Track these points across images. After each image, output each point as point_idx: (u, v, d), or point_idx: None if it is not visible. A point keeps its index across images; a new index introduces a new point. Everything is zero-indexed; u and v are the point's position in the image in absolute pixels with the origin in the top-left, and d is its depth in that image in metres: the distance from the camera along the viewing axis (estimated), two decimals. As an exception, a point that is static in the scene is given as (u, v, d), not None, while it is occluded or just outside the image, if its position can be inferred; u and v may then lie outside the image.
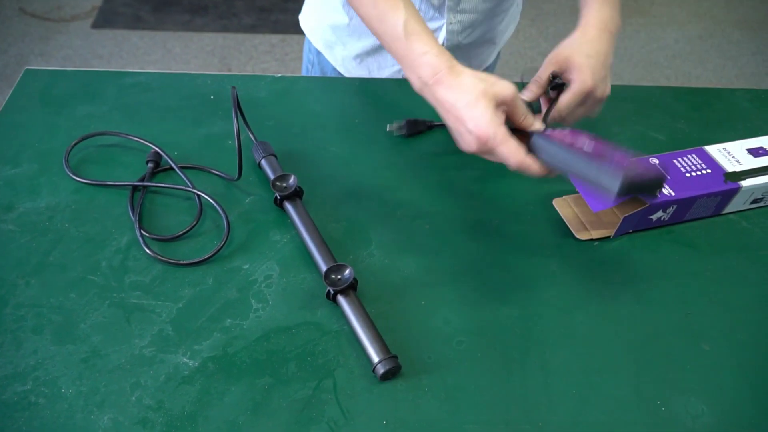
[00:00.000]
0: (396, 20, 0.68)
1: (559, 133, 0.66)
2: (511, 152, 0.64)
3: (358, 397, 0.61)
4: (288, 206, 0.75)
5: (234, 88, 0.78)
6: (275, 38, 2.48)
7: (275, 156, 0.81)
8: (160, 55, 2.40)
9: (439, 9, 0.92)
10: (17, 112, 0.88)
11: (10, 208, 0.76)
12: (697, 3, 2.77)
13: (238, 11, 2.60)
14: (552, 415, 0.61)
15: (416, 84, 0.68)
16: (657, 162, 0.77)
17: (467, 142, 0.66)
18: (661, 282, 0.72)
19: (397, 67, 1.00)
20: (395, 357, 0.62)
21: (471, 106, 0.64)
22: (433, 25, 0.94)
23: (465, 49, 1.00)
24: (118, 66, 2.35)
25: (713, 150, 0.80)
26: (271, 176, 0.77)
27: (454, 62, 0.67)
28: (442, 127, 0.88)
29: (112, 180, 0.79)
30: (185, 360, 0.63)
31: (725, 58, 2.50)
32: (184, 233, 0.74)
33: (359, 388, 0.62)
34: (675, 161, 0.78)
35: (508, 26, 1.06)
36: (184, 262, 0.71)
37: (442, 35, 0.95)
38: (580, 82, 0.71)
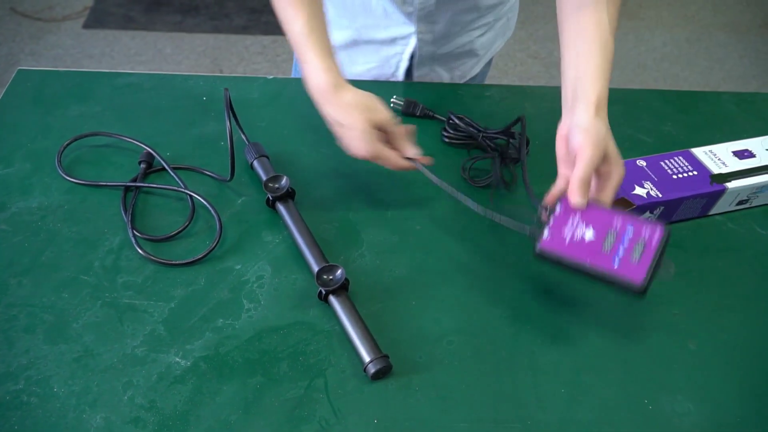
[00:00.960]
0: (294, 27, 0.72)
1: (558, 227, 0.64)
2: (390, 162, 0.73)
3: (349, 396, 0.62)
4: (280, 207, 0.75)
5: (226, 89, 0.78)
6: (267, 39, 2.48)
7: (267, 157, 0.81)
8: (151, 56, 2.39)
9: (409, 17, 0.93)
10: (9, 112, 0.88)
11: (2, 208, 0.76)
12: (685, 6, 2.80)
13: (229, 12, 2.60)
14: (541, 413, 0.62)
15: (309, 88, 0.74)
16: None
17: (352, 156, 0.73)
18: (649, 282, 0.73)
19: (368, 66, 1.00)
20: (386, 356, 0.63)
21: (352, 126, 0.71)
22: (404, 31, 0.95)
23: (443, 59, 1.00)
24: (109, 66, 2.34)
25: (699, 152, 0.81)
26: (264, 177, 0.78)
27: (340, 79, 0.72)
28: (435, 119, 0.89)
29: (105, 180, 0.79)
30: (177, 360, 0.63)
31: (712, 61, 2.53)
32: (177, 234, 0.74)
33: (350, 388, 0.62)
34: (662, 163, 0.79)
35: (495, 40, 1.06)
36: (177, 262, 0.71)
37: (412, 43, 0.96)
38: (619, 176, 0.68)
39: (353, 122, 0.71)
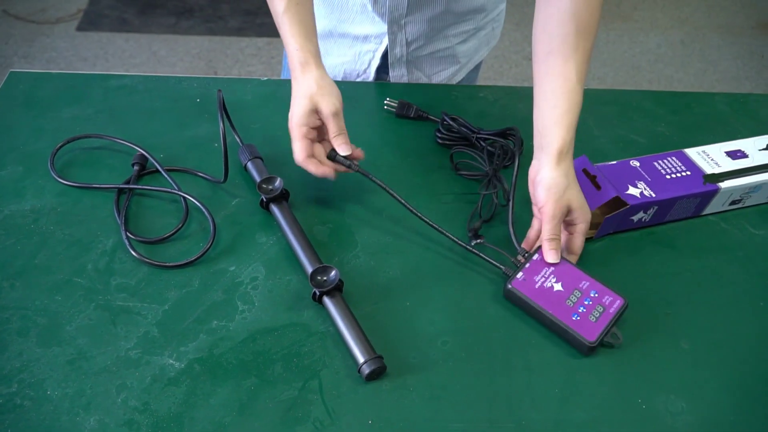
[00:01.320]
0: (278, 8, 0.75)
1: (532, 272, 0.70)
2: (295, 151, 0.74)
3: (343, 397, 0.62)
4: (274, 209, 0.75)
5: (220, 90, 0.78)
6: (261, 41, 2.48)
7: (261, 159, 0.81)
8: (145, 58, 2.39)
9: (382, 17, 0.93)
10: (2, 115, 0.88)
11: (-6, 211, 0.76)
12: (679, 8, 2.81)
13: (224, 14, 2.60)
14: (535, 413, 0.62)
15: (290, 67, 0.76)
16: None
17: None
18: (642, 281, 0.73)
19: (341, 59, 1.00)
20: (380, 357, 0.63)
21: (297, 100, 0.74)
22: (377, 30, 0.95)
23: (420, 63, 1.00)
24: (103, 69, 2.34)
25: (693, 153, 0.81)
26: (257, 179, 0.78)
27: (310, 60, 0.74)
28: (428, 120, 0.90)
29: (98, 183, 0.79)
30: (171, 362, 0.63)
31: (706, 63, 2.54)
32: (170, 236, 0.74)
33: (345, 389, 0.62)
34: (655, 163, 0.79)
35: (479, 49, 1.06)
36: (170, 264, 0.71)
37: (385, 42, 0.96)
38: (586, 222, 0.72)
39: (297, 99, 0.74)
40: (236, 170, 0.81)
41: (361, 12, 0.94)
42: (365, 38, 0.97)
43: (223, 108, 0.78)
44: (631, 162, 0.80)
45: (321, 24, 0.97)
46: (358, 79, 1.02)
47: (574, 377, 0.65)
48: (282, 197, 0.76)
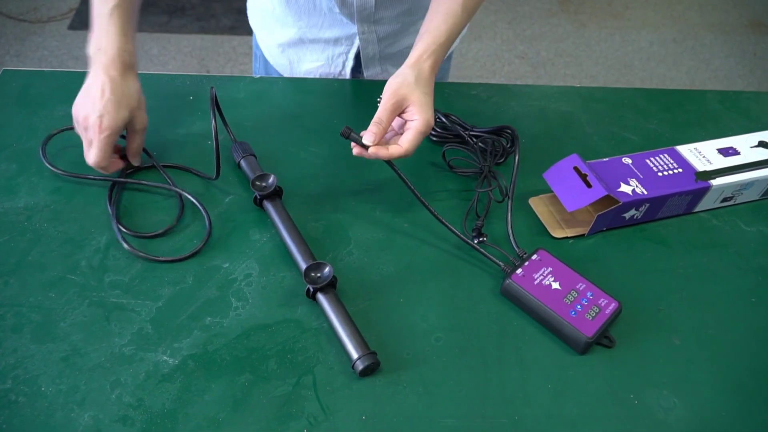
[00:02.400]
0: (103, 9, 0.75)
1: (530, 270, 0.70)
2: (101, 155, 0.74)
3: (337, 393, 0.62)
4: (267, 205, 0.75)
5: (212, 88, 0.78)
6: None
7: (255, 156, 0.81)
8: (137, 57, 2.38)
9: (351, 17, 0.93)
10: (-6, 112, 0.88)
11: (-13, 208, 0.76)
12: (671, 6, 2.83)
13: (216, 13, 2.60)
14: (528, 408, 0.62)
15: (91, 51, 0.76)
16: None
17: (82, 113, 0.74)
18: (634, 278, 0.74)
19: (315, 64, 1.00)
20: (374, 353, 0.63)
21: (111, 105, 0.73)
22: (347, 31, 0.95)
23: (394, 59, 1.00)
24: (96, 67, 2.32)
25: (685, 150, 0.82)
26: (251, 176, 0.78)
27: (134, 64, 0.76)
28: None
29: (92, 174, 0.79)
30: (165, 358, 0.63)
31: (698, 61, 2.56)
32: (165, 232, 0.74)
33: (339, 384, 0.63)
34: (647, 161, 0.80)
35: None
36: (164, 258, 0.71)
37: (356, 43, 0.96)
38: (423, 121, 0.71)
39: (114, 104, 0.73)
40: (229, 167, 0.81)
41: (329, 15, 0.94)
42: (336, 41, 0.97)
43: (216, 105, 0.78)
44: (623, 159, 0.80)
45: (290, 32, 0.97)
46: None
47: (566, 373, 0.65)
48: (275, 194, 0.76)
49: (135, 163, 0.79)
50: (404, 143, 0.70)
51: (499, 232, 0.77)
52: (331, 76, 1.01)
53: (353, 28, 0.95)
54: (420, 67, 0.72)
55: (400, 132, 0.73)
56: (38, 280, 0.69)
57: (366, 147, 0.70)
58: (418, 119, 0.70)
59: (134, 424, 0.59)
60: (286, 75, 1.04)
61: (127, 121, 0.75)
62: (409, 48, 0.99)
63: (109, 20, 0.74)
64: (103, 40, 0.75)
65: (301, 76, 1.02)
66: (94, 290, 0.68)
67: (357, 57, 0.99)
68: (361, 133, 0.70)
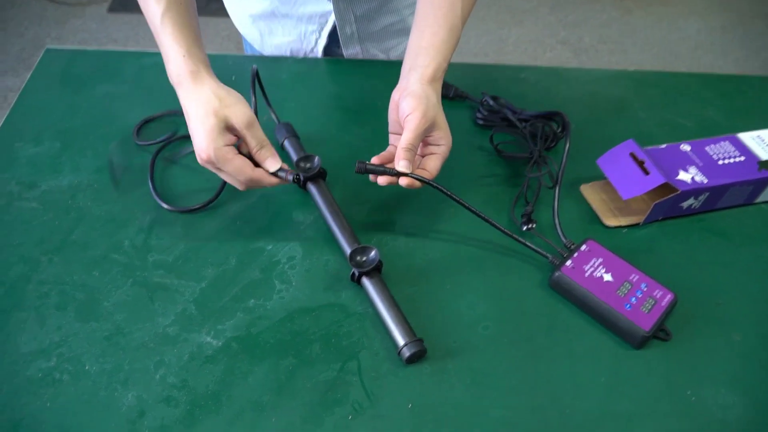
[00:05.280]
0: (155, 10, 0.66)
1: (580, 261, 0.67)
2: (237, 171, 0.64)
3: (383, 379, 0.60)
4: (311, 187, 0.74)
5: (254, 66, 0.77)
6: (292, 24, 2.47)
7: (298, 137, 0.80)
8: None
9: None
10: (38, 92, 0.88)
11: (32, 186, 0.76)
12: (720, -7, 2.73)
13: (254, -3, 2.59)
14: (579, 402, 0.60)
15: (170, 77, 0.67)
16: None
17: (197, 155, 0.65)
18: (691, 271, 0.71)
19: (286, 38, 0.97)
20: (421, 340, 0.61)
21: (200, 122, 0.63)
22: (322, 8, 0.92)
23: (373, 39, 0.96)
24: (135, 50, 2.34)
25: (747, 137, 0.78)
26: (294, 157, 0.76)
27: (201, 68, 0.65)
28: (467, 99, 0.87)
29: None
30: (209, 339, 0.62)
31: (748, 50, 2.47)
32: (205, 205, 0.73)
33: (384, 371, 0.61)
34: (707, 148, 0.76)
35: None
36: (187, 208, 0.72)
37: (331, 21, 0.93)
38: (449, 147, 0.69)
39: (202, 115, 0.63)
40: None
41: None
42: (309, 18, 0.93)
43: (259, 83, 0.77)
44: (681, 146, 0.77)
45: (262, 5, 0.94)
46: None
47: (620, 367, 0.62)
48: (319, 176, 0.75)
49: (270, 167, 0.67)
50: (432, 170, 0.68)
51: (547, 220, 0.74)
52: (301, 53, 0.98)
53: (328, 5, 0.91)
54: (436, 87, 0.68)
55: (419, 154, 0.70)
56: (82, 259, 0.69)
57: (395, 174, 0.65)
58: (444, 145, 0.68)
59: (178, 405, 0.58)
60: (256, 47, 1.01)
61: (224, 130, 0.64)
62: (389, 27, 0.95)
63: (163, 31, 0.66)
64: (167, 57, 0.67)
65: (272, 50, 0.99)
66: (138, 270, 0.68)
67: (331, 35, 0.95)
68: (394, 160, 0.66)
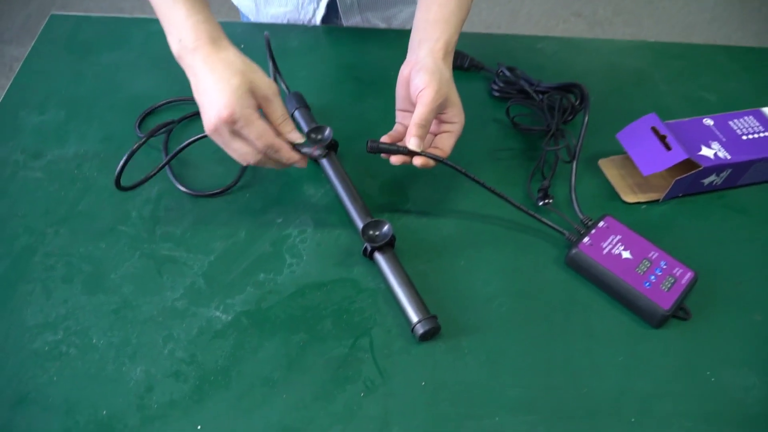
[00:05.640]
0: None
1: (598, 238, 0.66)
2: (259, 135, 0.59)
3: (395, 356, 0.59)
4: (322, 160, 0.72)
5: (267, 33, 0.74)
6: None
7: (308, 108, 0.78)
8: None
9: None
10: (43, 59, 0.86)
11: (37, 156, 0.74)
12: (739, -36, 2.66)
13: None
14: (597, 381, 0.58)
15: (175, 48, 0.61)
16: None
17: (209, 118, 0.59)
18: (712, 248, 0.69)
19: (283, 8, 0.94)
20: (435, 317, 0.60)
21: (224, 80, 0.58)
22: None
23: (374, 7, 0.93)
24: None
25: (772, 111, 0.75)
26: (305, 128, 0.74)
27: (222, 35, 0.61)
28: (482, 70, 0.85)
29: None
30: (218, 314, 0.61)
31: (767, 23, 2.41)
32: (225, 190, 0.71)
33: (397, 348, 0.60)
34: (730, 123, 0.74)
35: None
36: (207, 193, 0.69)
37: None
38: (462, 125, 0.66)
39: (228, 75, 0.58)
40: (283, 119, 0.78)
41: None
42: None
43: (270, 51, 0.74)
44: (704, 120, 0.74)
45: None
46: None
47: (639, 346, 0.61)
48: (331, 147, 0.73)
49: (294, 139, 0.63)
50: (446, 148, 0.65)
51: (564, 196, 0.72)
52: (299, 23, 0.95)
53: None
54: (448, 61, 0.66)
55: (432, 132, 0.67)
56: (88, 230, 0.67)
57: (408, 154, 0.63)
58: (458, 123, 0.66)
59: (187, 380, 0.57)
60: (251, 17, 0.98)
61: (249, 93, 0.59)
62: None
63: (174, 3, 0.61)
64: (178, 24, 0.61)
65: (268, 20, 0.96)
66: (146, 242, 0.66)
67: (329, 5, 0.92)
68: (403, 139, 0.64)
